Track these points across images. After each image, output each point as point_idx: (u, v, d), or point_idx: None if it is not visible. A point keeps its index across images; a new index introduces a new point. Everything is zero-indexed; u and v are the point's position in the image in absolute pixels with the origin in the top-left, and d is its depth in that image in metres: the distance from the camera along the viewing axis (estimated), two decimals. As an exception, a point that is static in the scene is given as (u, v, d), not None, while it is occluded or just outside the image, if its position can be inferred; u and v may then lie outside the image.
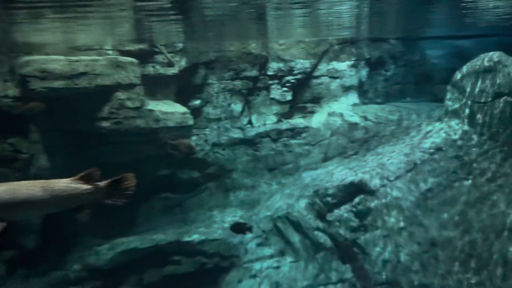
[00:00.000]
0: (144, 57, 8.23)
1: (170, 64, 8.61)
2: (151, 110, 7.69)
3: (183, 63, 9.06)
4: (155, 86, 8.57)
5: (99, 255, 8.00)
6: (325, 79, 10.47)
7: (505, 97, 7.88)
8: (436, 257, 6.86)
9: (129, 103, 7.27)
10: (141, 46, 8.18)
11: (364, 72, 10.77)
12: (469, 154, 8.01)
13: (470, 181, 7.67)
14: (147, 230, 8.79)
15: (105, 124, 7.17)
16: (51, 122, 7.29)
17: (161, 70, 8.52)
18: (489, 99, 8.13)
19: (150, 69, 8.37)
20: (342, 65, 10.47)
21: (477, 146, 8.08)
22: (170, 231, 8.70)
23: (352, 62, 10.54)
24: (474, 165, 7.86)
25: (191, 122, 8.24)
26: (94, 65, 6.80)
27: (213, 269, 8.33)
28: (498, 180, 7.53)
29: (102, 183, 3.21)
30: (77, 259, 7.99)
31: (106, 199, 3.24)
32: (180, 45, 8.86)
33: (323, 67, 10.47)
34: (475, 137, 8.19)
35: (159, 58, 8.53)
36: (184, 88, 9.46)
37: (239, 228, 7.32)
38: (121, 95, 7.21)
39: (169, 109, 8.06)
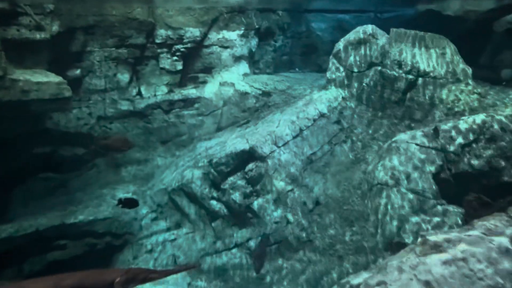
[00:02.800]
0: (4, 18, 7.07)
1: (39, 28, 7.55)
2: (17, 80, 6.70)
3: (55, 27, 8.03)
4: (22, 52, 7.47)
5: (-36, 248, 6.96)
6: (215, 49, 10.35)
7: (376, 66, 8.74)
8: (320, 214, 7.49)
9: (-13, 72, 6.22)
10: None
11: (254, 42, 10.91)
12: (348, 119, 8.79)
13: (348, 144, 8.45)
14: (24, 216, 7.89)
15: (-43, 96, 6.06)
16: None
17: (28, 34, 7.43)
18: (364, 68, 8.94)
19: (13, 32, 7.23)
20: (232, 35, 10.44)
21: (354, 112, 8.90)
22: (52, 214, 7.95)
23: (242, 31, 10.57)
24: (352, 129, 8.67)
25: (68, 93, 7.43)
26: None
27: (104, 250, 7.91)
28: (371, 142, 8.44)
29: None
30: None
31: None
32: (51, 6, 7.81)
33: (213, 36, 10.31)
34: (352, 104, 8.99)
35: (25, 20, 7.41)
36: (59, 56, 8.44)
37: (128, 202, 6.98)
38: (-25, 62, 6.13)
39: (41, 79, 7.12)
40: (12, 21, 7.27)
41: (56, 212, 7.96)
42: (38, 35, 7.56)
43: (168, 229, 8.28)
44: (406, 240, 6.38)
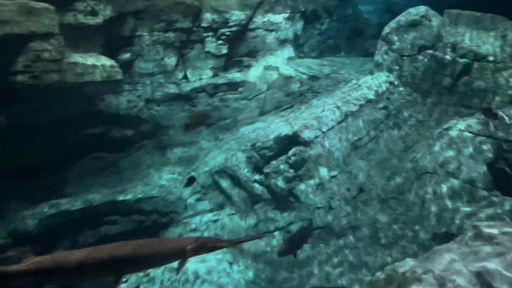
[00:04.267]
0: (62, 4, 7.42)
1: (94, 13, 7.87)
2: (74, 63, 7.05)
3: (108, 12, 8.33)
4: (78, 37, 7.83)
5: (26, 219, 7.53)
6: (260, 32, 10.29)
7: (428, 50, 8.35)
8: (364, 201, 7.38)
9: (47, 55, 6.57)
10: (58, -9, 7.35)
11: (299, 26, 10.74)
12: (395, 105, 8.51)
13: (396, 131, 8.20)
14: (79, 192, 8.39)
15: (20, 78, 6.45)
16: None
17: (84, 19, 7.76)
18: (414, 52, 8.57)
19: (70, 18, 7.58)
20: (278, 18, 10.32)
21: (402, 97, 8.59)
22: (104, 191, 8.39)
23: (288, 14, 10.43)
24: (400, 115, 8.39)
25: (120, 76, 7.73)
26: (1, 10, 5.99)
27: (151, 227, 8.26)
28: (419, 129, 8.13)
29: None
30: (1, 226, 7.46)
31: None
32: (104, -9, 8.11)
33: (258, 20, 10.25)
34: (401, 89, 8.68)
35: (80, 5, 7.74)
36: (111, 40, 8.77)
37: (190, 180, 7.48)
38: (36, 45, 6.47)
39: (95, 62, 7.45)
40: (69, 7, 7.63)
41: (108, 190, 8.40)
42: (92, 20, 7.88)
43: (211, 210, 8.49)
44: (455, 231, 6.14)
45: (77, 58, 7.28)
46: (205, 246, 3.94)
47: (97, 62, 7.45)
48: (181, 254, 3.82)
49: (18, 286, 3.54)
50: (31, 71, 6.50)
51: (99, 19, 8.00)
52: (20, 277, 3.35)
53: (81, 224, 7.98)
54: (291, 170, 7.71)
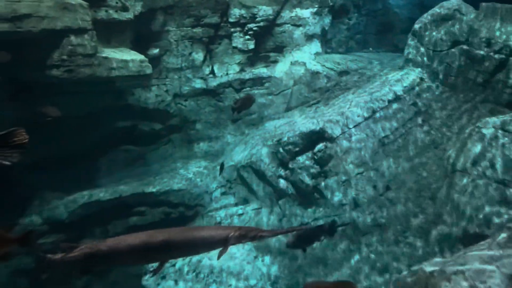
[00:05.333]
0: (95, 0, 7.63)
1: (125, 8, 8.06)
2: (106, 58, 7.25)
3: (138, 7, 8.51)
4: (109, 32, 8.04)
5: (60, 208, 7.85)
6: (288, 27, 10.24)
7: (461, 45, 8.09)
8: (390, 199, 7.26)
9: (81, 50, 6.79)
10: (91, -13, 7.56)
11: (327, 20, 10.61)
12: (426, 102, 8.31)
13: (425, 128, 8.01)
14: (109, 183, 8.66)
15: (56, 72, 6.71)
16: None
17: (115, 14, 7.96)
18: (446, 47, 8.32)
19: (102, 14, 7.79)
20: (305, 12, 10.24)
21: (433, 94, 8.37)
22: (133, 183, 8.63)
23: (315, 9, 10.32)
24: (430, 112, 8.18)
25: (149, 71, 7.90)
26: (38, 6, 6.21)
27: (178, 219, 8.44)
28: (451, 127, 7.91)
29: None
30: (37, 214, 7.80)
31: None
32: (135, -13, 8.29)
33: (286, 15, 10.20)
34: (432, 85, 8.46)
35: (112, 1, 7.94)
36: (141, 35, 8.96)
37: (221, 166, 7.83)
38: (71, 40, 6.71)
39: (125, 57, 7.64)
40: (101, 2, 7.84)
41: (136, 181, 8.63)
42: (123, 16, 8.07)
43: (236, 204, 8.58)
44: (486, 232, 5.96)
45: (109, 53, 7.49)
46: (248, 234, 4.06)
47: (127, 57, 7.63)
48: (225, 241, 3.95)
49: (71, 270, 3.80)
50: (66, 65, 6.74)
51: (129, 15, 8.19)
52: (75, 263, 3.58)
53: (111, 214, 8.24)
54: (317, 166, 7.67)
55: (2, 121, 6.30)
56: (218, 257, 3.98)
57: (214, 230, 4.27)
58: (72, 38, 6.75)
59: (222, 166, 8.01)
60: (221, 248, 4.01)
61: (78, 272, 3.68)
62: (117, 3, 7.94)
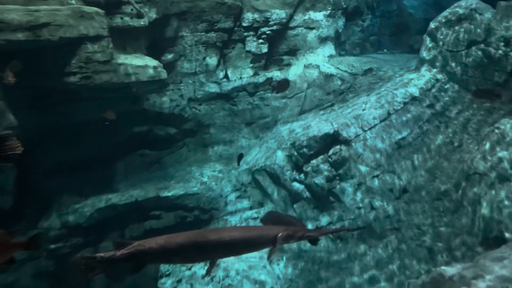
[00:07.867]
0: (110, 8, 7.78)
1: (139, 15, 8.19)
2: (121, 64, 7.37)
3: (153, 14, 8.63)
4: (125, 38, 8.18)
5: (78, 212, 7.99)
6: (301, 30, 10.24)
7: (478, 45, 7.94)
8: (407, 202, 7.16)
9: (97, 57, 6.92)
10: (107, -5, 7.71)
11: (340, 23, 10.57)
12: (442, 103, 8.17)
13: (442, 129, 7.88)
14: (125, 187, 8.77)
15: (73, 79, 6.85)
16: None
17: (130, 21, 8.09)
18: (463, 47, 8.18)
19: (118, 21, 7.94)
20: (319, 15, 10.22)
21: (450, 95, 8.23)
22: (149, 187, 8.72)
23: (329, 12, 10.29)
24: (447, 113, 8.05)
25: (164, 76, 7.99)
26: (56, 15, 6.37)
27: (193, 222, 8.48)
28: (468, 128, 7.76)
29: None
30: (56, 217, 7.95)
31: None
32: (149, -6, 8.41)
33: (299, 18, 10.20)
34: (448, 86, 8.32)
35: (127, 8, 8.08)
36: (155, 41, 9.09)
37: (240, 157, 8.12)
38: (88, 48, 6.84)
39: (140, 63, 7.75)
40: (116, 10, 7.98)
41: (152, 186, 8.72)
42: (138, 22, 8.19)
43: (251, 208, 8.58)
44: (506, 236, 5.81)
45: (125, 59, 7.61)
46: (295, 234, 4.05)
47: (142, 63, 7.74)
48: (273, 241, 3.97)
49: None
50: (83, 72, 6.88)
51: (144, 21, 8.31)
52: (124, 260, 3.64)
53: (128, 217, 8.35)
54: (332, 169, 7.62)
55: (24, 128, 6.50)
56: (268, 257, 3.98)
57: (263, 230, 4.25)
58: (89, 45, 6.89)
59: (240, 156, 8.16)
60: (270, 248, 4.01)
61: (130, 269, 3.72)
62: (132, 10, 8.07)
